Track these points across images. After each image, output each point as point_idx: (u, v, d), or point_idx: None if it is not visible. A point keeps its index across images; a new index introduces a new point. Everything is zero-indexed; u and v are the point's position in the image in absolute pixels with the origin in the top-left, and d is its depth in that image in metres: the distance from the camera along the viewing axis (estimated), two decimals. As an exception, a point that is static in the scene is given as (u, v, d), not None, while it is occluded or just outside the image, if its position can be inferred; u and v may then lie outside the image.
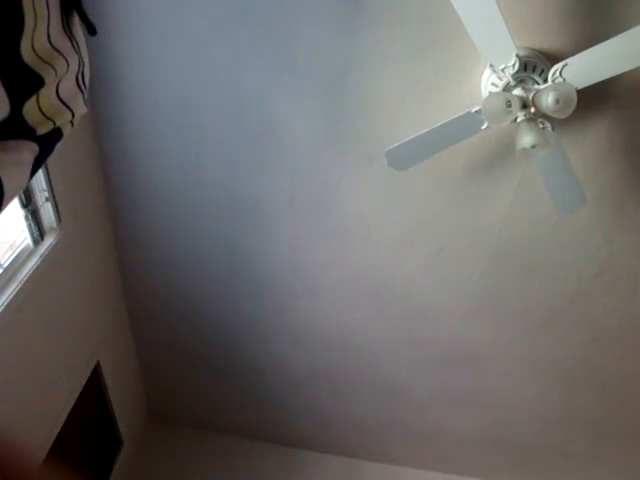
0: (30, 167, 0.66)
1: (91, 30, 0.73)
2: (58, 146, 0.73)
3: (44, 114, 0.65)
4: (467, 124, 1.58)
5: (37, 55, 0.60)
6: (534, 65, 1.48)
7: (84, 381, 2.33)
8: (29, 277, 1.75)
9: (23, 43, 0.56)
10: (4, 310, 1.63)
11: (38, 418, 2.01)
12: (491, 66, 1.45)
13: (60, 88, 0.67)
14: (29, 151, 0.65)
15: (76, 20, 0.70)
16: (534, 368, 2.53)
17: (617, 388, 2.53)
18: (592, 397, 2.60)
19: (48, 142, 0.69)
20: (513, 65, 1.42)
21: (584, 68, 1.37)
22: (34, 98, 0.62)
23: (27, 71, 0.59)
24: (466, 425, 2.89)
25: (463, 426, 2.90)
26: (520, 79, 1.48)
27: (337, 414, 3.01)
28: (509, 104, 1.41)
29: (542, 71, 1.48)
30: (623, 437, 2.77)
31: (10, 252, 1.77)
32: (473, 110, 1.53)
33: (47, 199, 1.84)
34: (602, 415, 2.68)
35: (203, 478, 3.11)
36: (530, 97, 1.44)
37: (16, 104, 0.59)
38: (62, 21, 0.65)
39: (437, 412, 2.86)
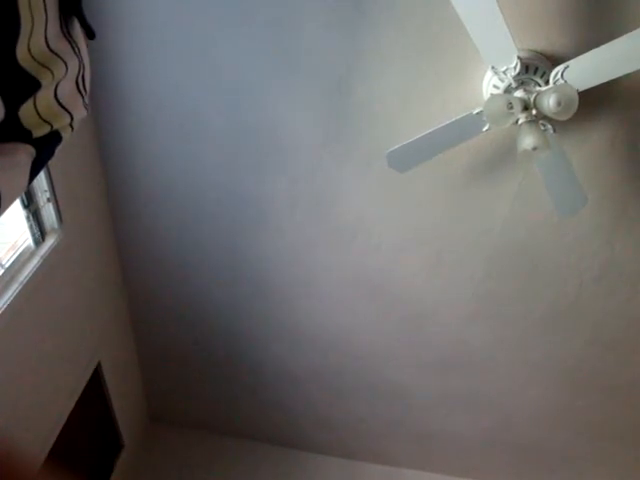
0: (28, 170, 0.66)
1: (90, 34, 0.72)
2: (59, 148, 0.73)
3: (41, 116, 0.65)
4: (468, 126, 1.58)
5: (34, 58, 0.59)
6: (535, 67, 1.48)
7: (85, 382, 2.33)
8: (30, 278, 1.75)
9: (19, 46, 0.56)
10: (5, 310, 1.63)
11: (38, 419, 2.01)
12: (492, 68, 1.45)
13: (59, 91, 0.67)
14: (25, 153, 0.65)
15: (77, 23, 0.69)
16: (535, 370, 2.52)
17: (618, 390, 2.53)
18: (593, 399, 2.60)
19: (46, 145, 0.68)
20: (515, 67, 1.42)
21: (586, 70, 1.37)
22: (31, 101, 0.62)
23: (23, 74, 0.59)
24: (466, 427, 2.89)
25: (463, 428, 2.90)
26: (521, 81, 1.48)
27: (337, 415, 3.01)
28: (510, 106, 1.41)
29: (544, 73, 1.48)
30: (623, 439, 2.76)
31: (11, 253, 1.77)
32: (474, 112, 1.53)
33: (48, 200, 1.85)
34: (602, 417, 2.67)
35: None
36: (531, 99, 1.44)
37: (11, 107, 0.59)
38: (61, 24, 0.65)
39: (437, 414, 2.85)
